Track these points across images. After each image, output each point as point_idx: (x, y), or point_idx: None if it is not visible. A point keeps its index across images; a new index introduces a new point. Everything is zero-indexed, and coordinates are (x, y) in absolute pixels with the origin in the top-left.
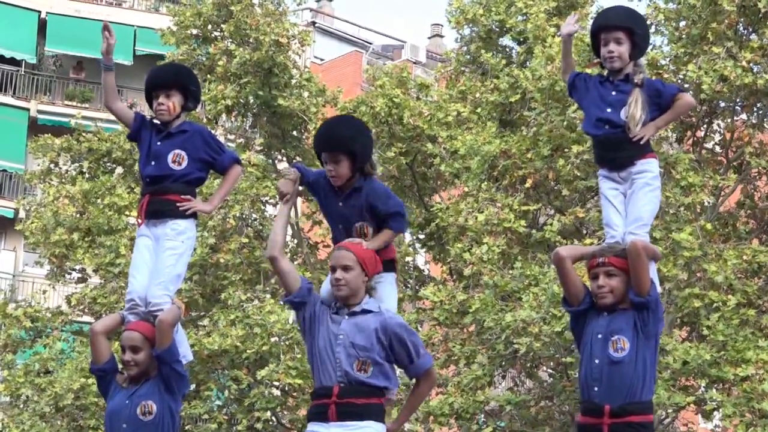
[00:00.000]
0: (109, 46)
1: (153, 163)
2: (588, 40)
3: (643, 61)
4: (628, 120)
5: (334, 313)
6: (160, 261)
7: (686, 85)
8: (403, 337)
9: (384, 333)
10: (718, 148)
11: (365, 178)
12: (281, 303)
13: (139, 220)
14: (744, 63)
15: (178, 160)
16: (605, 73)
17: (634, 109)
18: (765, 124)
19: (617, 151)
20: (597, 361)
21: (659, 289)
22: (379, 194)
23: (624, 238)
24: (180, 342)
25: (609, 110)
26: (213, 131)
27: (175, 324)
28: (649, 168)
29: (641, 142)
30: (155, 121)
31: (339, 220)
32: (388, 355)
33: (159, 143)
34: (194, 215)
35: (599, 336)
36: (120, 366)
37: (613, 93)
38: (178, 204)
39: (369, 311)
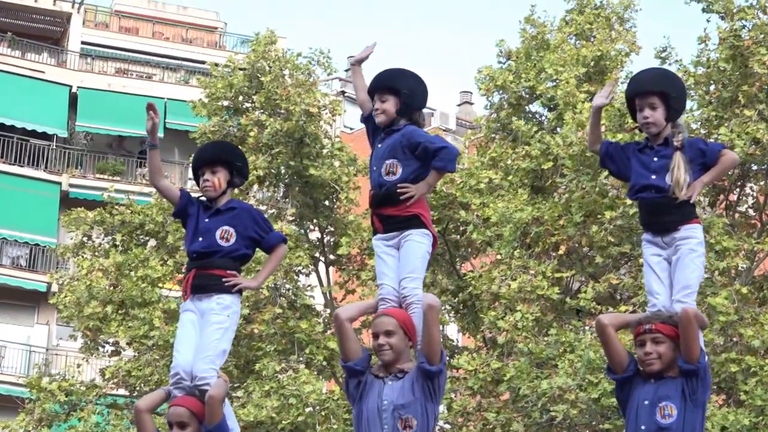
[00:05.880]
0: (153, 126)
1: (200, 239)
2: (618, 105)
3: (683, 120)
4: (672, 185)
5: (381, 382)
6: (205, 335)
7: None
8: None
9: (416, 378)
10: (751, 212)
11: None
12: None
13: (185, 295)
14: None
15: (226, 236)
16: (641, 138)
17: (677, 173)
18: None
19: (663, 215)
20: (644, 428)
21: (706, 357)
22: (420, 131)
23: (671, 306)
24: (228, 416)
25: (654, 177)
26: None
27: (224, 399)
28: (693, 234)
29: (690, 200)
30: (202, 198)
31: (375, 162)
32: (430, 391)
33: (207, 220)
34: (239, 291)
35: (646, 402)
36: None
37: (655, 159)
38: (223, 279)
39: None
